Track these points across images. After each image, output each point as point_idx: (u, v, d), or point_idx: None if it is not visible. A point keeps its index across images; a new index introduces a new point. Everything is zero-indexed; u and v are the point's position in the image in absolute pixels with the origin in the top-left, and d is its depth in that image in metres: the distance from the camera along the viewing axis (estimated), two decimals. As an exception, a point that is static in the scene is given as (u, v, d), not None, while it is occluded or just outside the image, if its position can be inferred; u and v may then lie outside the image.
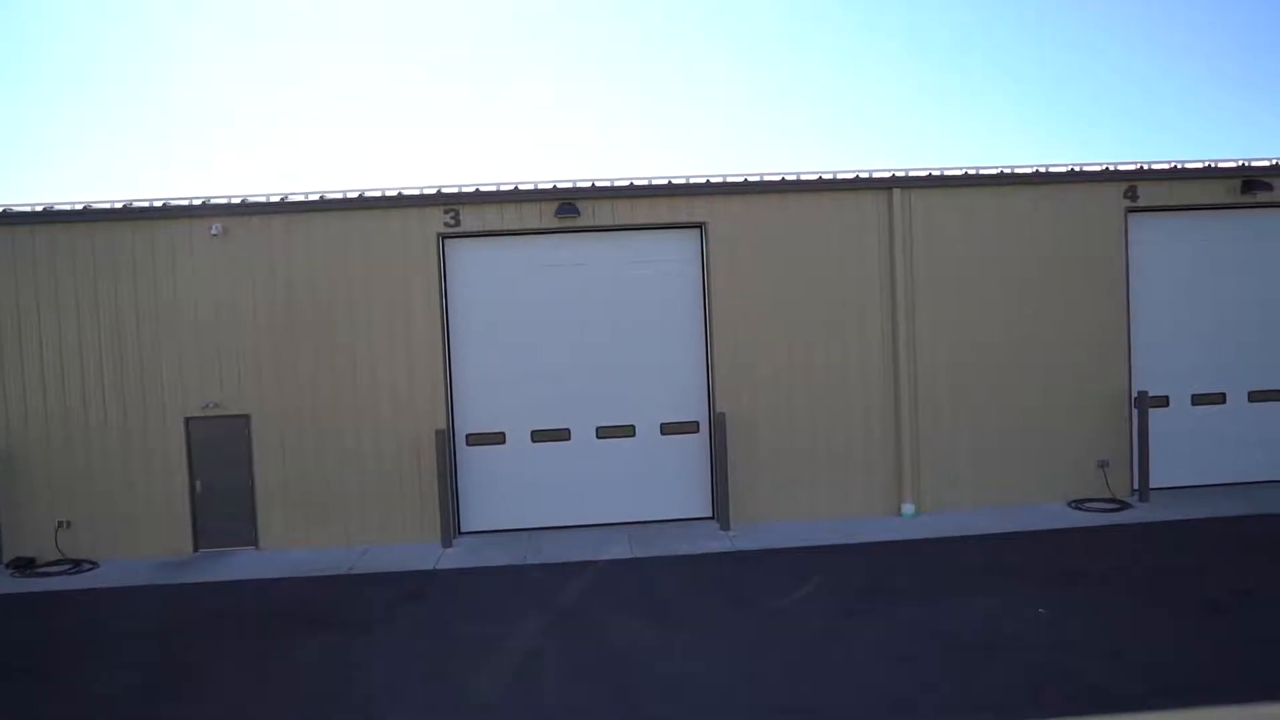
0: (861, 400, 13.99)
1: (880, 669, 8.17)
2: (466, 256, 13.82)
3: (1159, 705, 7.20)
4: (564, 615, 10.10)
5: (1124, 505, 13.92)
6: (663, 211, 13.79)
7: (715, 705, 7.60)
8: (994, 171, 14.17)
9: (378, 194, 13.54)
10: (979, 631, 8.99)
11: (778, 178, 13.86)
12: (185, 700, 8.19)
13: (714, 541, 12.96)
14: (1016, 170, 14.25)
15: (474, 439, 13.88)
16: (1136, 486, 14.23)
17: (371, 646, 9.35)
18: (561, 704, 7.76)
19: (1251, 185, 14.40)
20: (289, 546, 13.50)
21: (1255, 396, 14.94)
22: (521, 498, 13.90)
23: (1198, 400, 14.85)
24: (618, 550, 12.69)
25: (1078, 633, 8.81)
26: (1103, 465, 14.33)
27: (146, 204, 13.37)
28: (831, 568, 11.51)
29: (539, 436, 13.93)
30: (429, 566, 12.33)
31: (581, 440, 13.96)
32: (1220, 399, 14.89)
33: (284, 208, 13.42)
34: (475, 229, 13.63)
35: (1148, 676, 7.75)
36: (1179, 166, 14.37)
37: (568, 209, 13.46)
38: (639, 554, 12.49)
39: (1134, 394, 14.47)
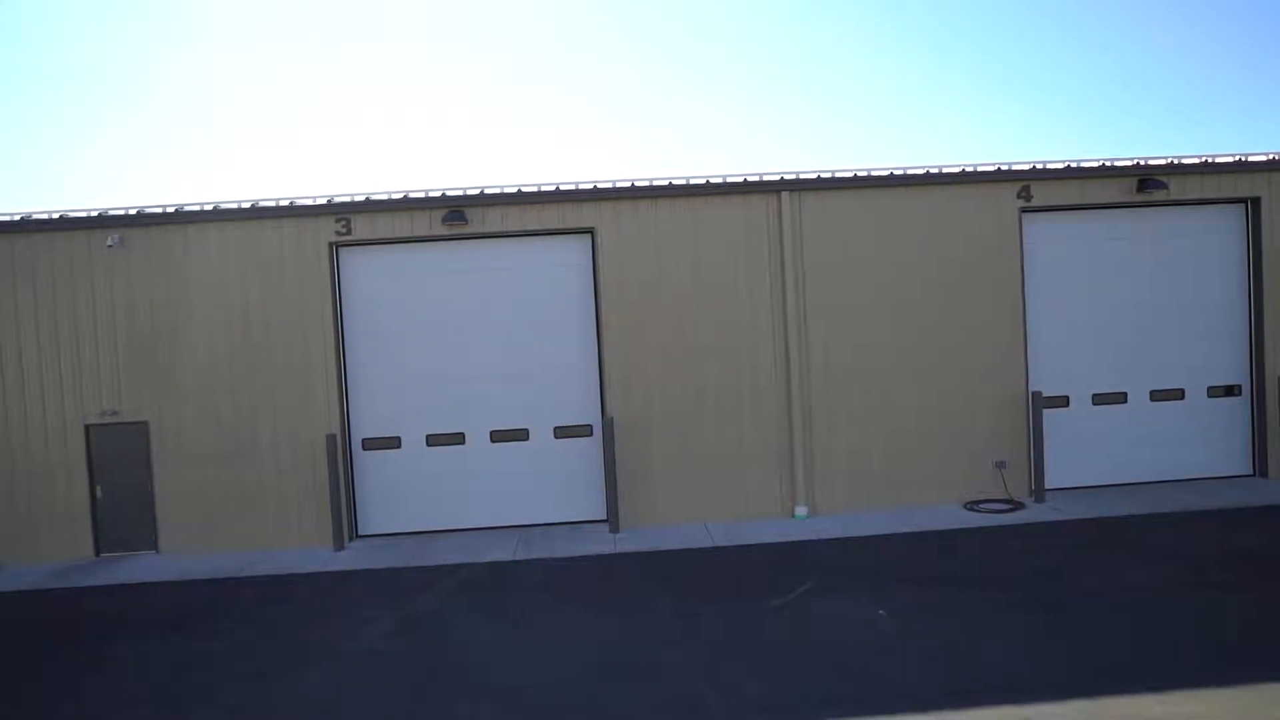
0: (753, 402, 14.07)
1: (687, 669, 8.27)
2: (360, 264, 14.04)
3: (944, 705, 7.27)
4: (416, 618, 10.25)
5: (1018, 506, 13.91)
6: (552, 218, 13.94)
7: (517, 705, 7.74)
8: (884, 173, 14.22)
9: (271, 204, 13.78)
10: (804, 634, 9.06)
11: (665, 182, 13.97)
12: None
13: (598, 544, 13.08)
14: (909, 171, 14.29)
15: (370, 443, 14.08)
16: (1034, 487, 14.22)
17: (213, 648, 9.54)
18: (366, 703, 7.92)
19: (1147, 184, 14.35)
20: (189, 551, 13.75)
21: (1157, 396, 14.88)
22: (417, 501, 14.09)
23: (1099, 400, 14.81)
24: (500, 553, 12.84)
25: (909, 634, 8.86)
26: (1000, 466, 14.32)
27: (45, 216, 13.67)
28: (700, 570, 11.60)
29: (434, 440, 14.10)
30: (312, 570, 12.53)
31: (476, 444, 14.12)
32: (1122, 399, 14.84)
33: (180, 218, 13.69)
34: (367, 237, 13.84)
35: (947, 674, 7.81)
36: (1073, 166, 14.36)
37: (455, 216, 13.64)
38: (520, 556, 12.63)
39: (1031, 394, 14.48)
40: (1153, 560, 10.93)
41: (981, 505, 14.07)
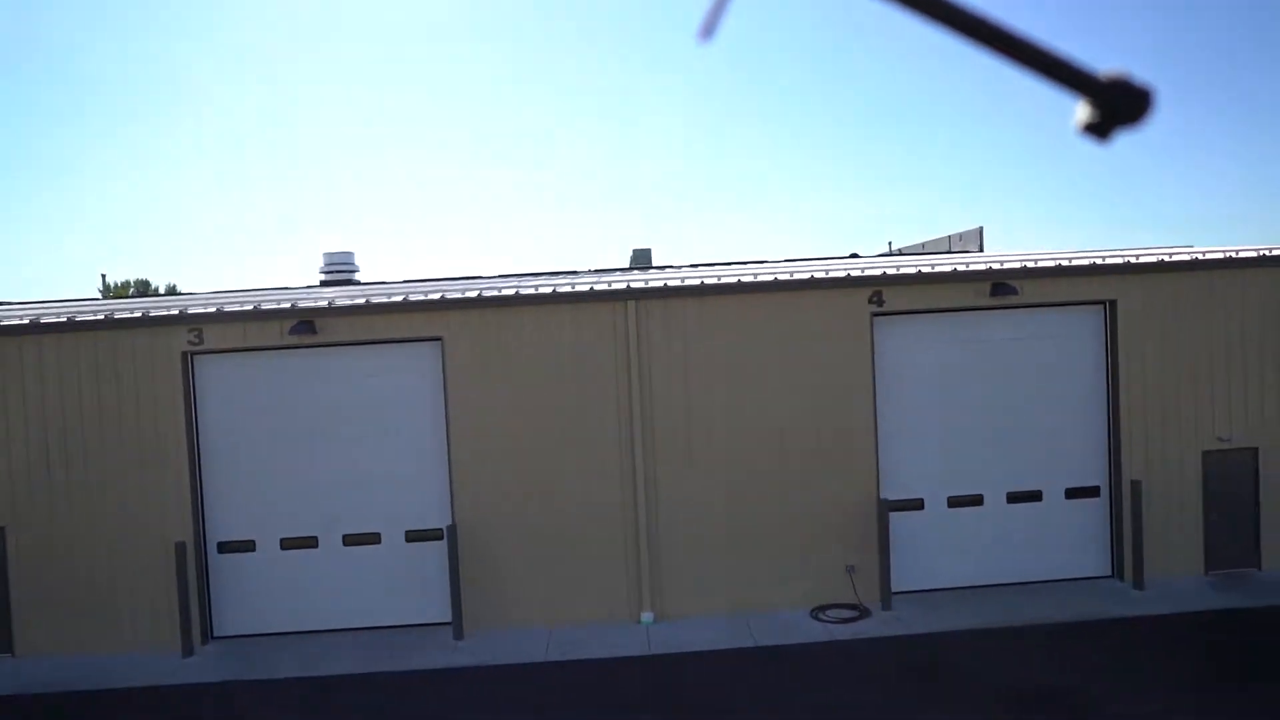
0: (601, 506, 14.19)
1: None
2: (215, 372, 14.30)
3: None
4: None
5: (864, 613, 13.95)
6: (402, 327, 14.14)
7: None
8: (732, 280, 14.28)
9: (125, 314, 14.08)
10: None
11: (512, 291, 14.13)
12: None
13: (436, 656, 13.27)
14: (759, 278, 14.35)
15: (226, 546, 14.36)
16: (882, 594, 14.24)
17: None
18: None
19: (1000, 288, 14.31)
20: (45, 653, 14.09)
21: (1014, 498, 14.85)
22: (272, 603, 14.34)
23: (955, 502, 14.79)
24: (340, 664, 13.07)
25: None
26: (850, 571, 14.36)
27: (-92, 327, 14.05)
28: (524, 692, 11.80)
29: (288, 544, 14.35)
30: (146, 683, 12.82)
31: (329, 547, 14.36)
32: (978, 500, 14.82)
33: (34, 329, 14.02)
34: (219, 346, 14.11)
35: None
36: (924, 271, 14.35)
37: (304, 327, 13.87)
38: (355, 669, 12.86)
39: (880, 500, 14.50)
40: (952, 701, 10.99)
41: (828, 611, 14.13)
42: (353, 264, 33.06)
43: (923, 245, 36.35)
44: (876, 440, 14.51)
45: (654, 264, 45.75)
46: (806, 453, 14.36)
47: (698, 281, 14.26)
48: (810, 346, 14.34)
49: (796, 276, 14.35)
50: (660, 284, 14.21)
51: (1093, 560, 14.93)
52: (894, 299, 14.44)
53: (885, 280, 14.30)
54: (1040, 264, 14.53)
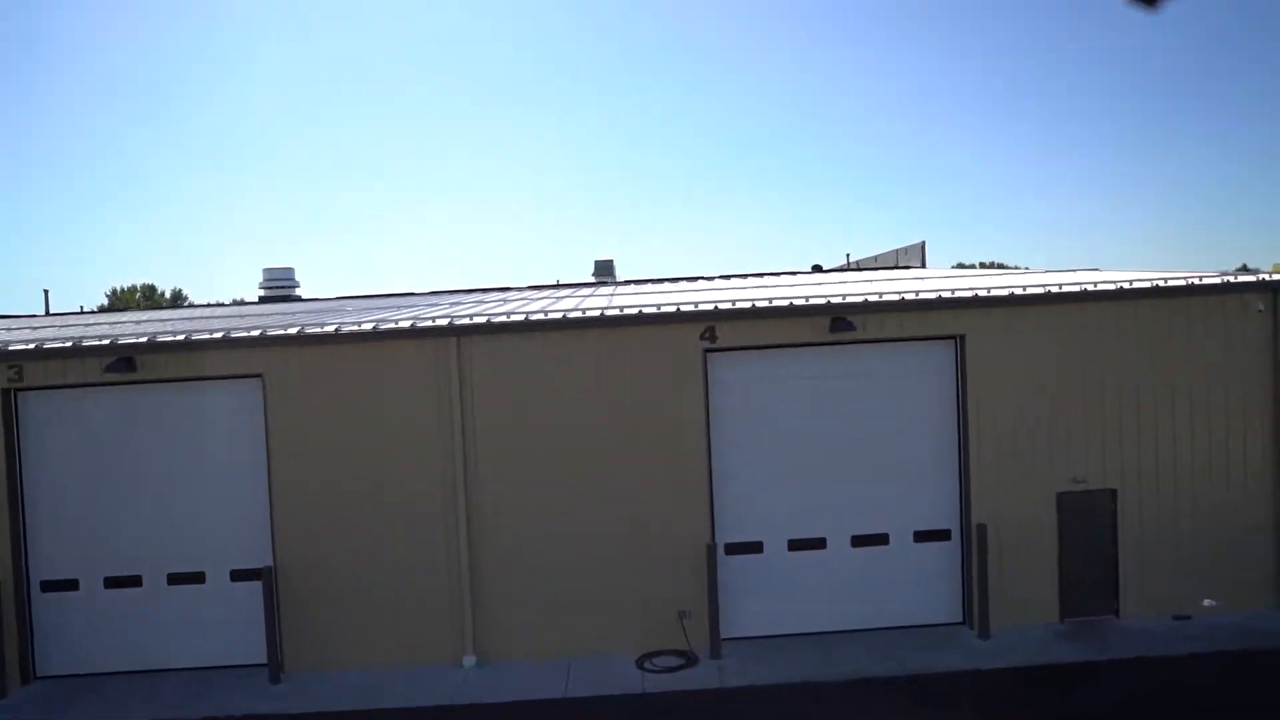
0: (425, 547, 13.83)
1: None
2: (37, 410, 14.13)
3: None
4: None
5: (692, 661, 13.46)
6: (222, 364, 13.87)
7: None
8: (558, 316, 13.85)
9: (-53, 350, 13.96)
10: None
11: (333, 327, 13.81)
12: None
13: (243, 699, 13.00)
14: (587, 314, 13.90)
15: (49, 585, 14.18)
16: (712, 641, 13.72)
17: None
18: None
19: (839, 323, 13.74)
20: None
21: (859, 541, 14.27)
22: (96, 642, 14.14)
23: (795, 546, 14.24)
24: (151, 708, 12.86)
25: None
26: (683, 616, 13.87)
27: None
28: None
29: (111, 583, 14.15)
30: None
31: (152, 586, 14.13)
32: (820, 544, 14.25)
33: None
34: (41, 383, 13.91)
35: None
36: (759, 306, 13.82)
37: (122, 364, 13.62)
38: (165, 715, 12.64)
39: (721, 541, 14.01)
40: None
41: (656, 658, 13.66)
42: (293, 279, 33.08)
43: (875, 259, 35.67)
44: (711, 481, 14.02)
45: (616, 275, 45.28)
46: (638, 494, 13.89)
47: (523, 317, 13.86)
48: (641, 384, 13.87)
49: (627, 312, 13.89)
50: (484, 320, 13.82)
51: (944, 606, 14.31)
52: (728, 335, 13.92)
53: (718, 315, 13.79)
54: (885, 298, 13.93)
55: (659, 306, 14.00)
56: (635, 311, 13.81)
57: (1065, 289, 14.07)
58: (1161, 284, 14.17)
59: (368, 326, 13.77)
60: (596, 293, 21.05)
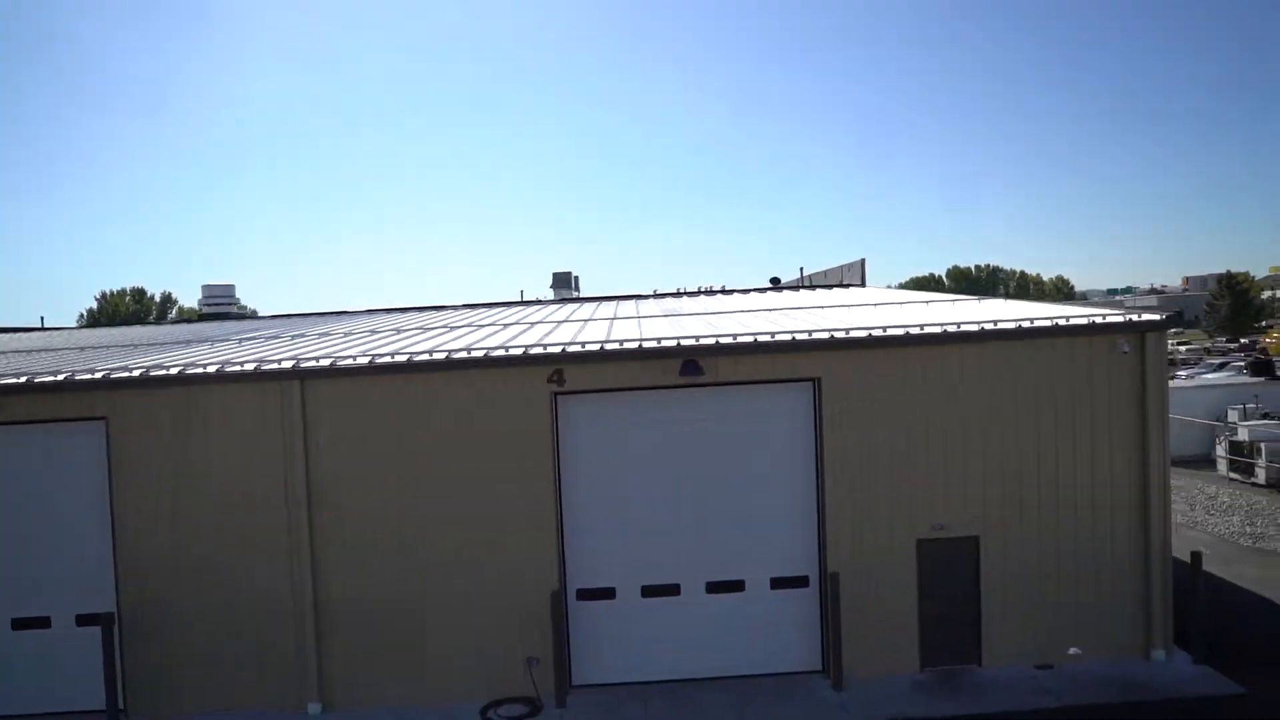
0: (268, 593, 13.61)
1: None
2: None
3: None
4: None
5: (537, 710, 13.20)
6: (66, 406, 13.72)
7: None
8: (404, 359, 13.61)
9: None
10: None
11: (177, 369, 13.63)
12: None
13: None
14: (433, 357, 13.65)
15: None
16: (558, 689, 13.44)
17: None
18: None
19: (689, 366, 13.42)
20: None
21: (714, 588, 13.94)
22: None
23: (649, 591, 13.93)
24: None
25: None
26: (531, 663, 13.59)
27: None
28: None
29: (-37, 625, 14.08)
30: None
31: None
32: (674, 590, 13.93)
33: None
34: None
35: None
36: (608, 348, 13.52)
37: (-37, 407, 13.55)
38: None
39: (572, 587, 13.74)
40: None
41: (501, 707, 13.39)
42: (232, 297, 33.12)
43: (824, 274, 35.25)
44: (561, 525, 13.74)
45: (578, 290, 44.94)
46: (487, 540, 13.63)
47: (368, 360, 13.63)
48: (488, 426, 13.60)
49: (474, 354, 13.62)
50: (329, 362, 13.60)
51: (802, 654, 13.95)
52: (578, 378, 13.63)
53: (566, 358, 13.49)
54: (739, 339, 13.60)
55: (507, 349, 13.73)
56: (482, 354, 13.55)
57: (926, 330, 13.68)
58: (1027, 324, 13.76)
59: (212, 368, 13.58)
60: (505, 317, 20.80)
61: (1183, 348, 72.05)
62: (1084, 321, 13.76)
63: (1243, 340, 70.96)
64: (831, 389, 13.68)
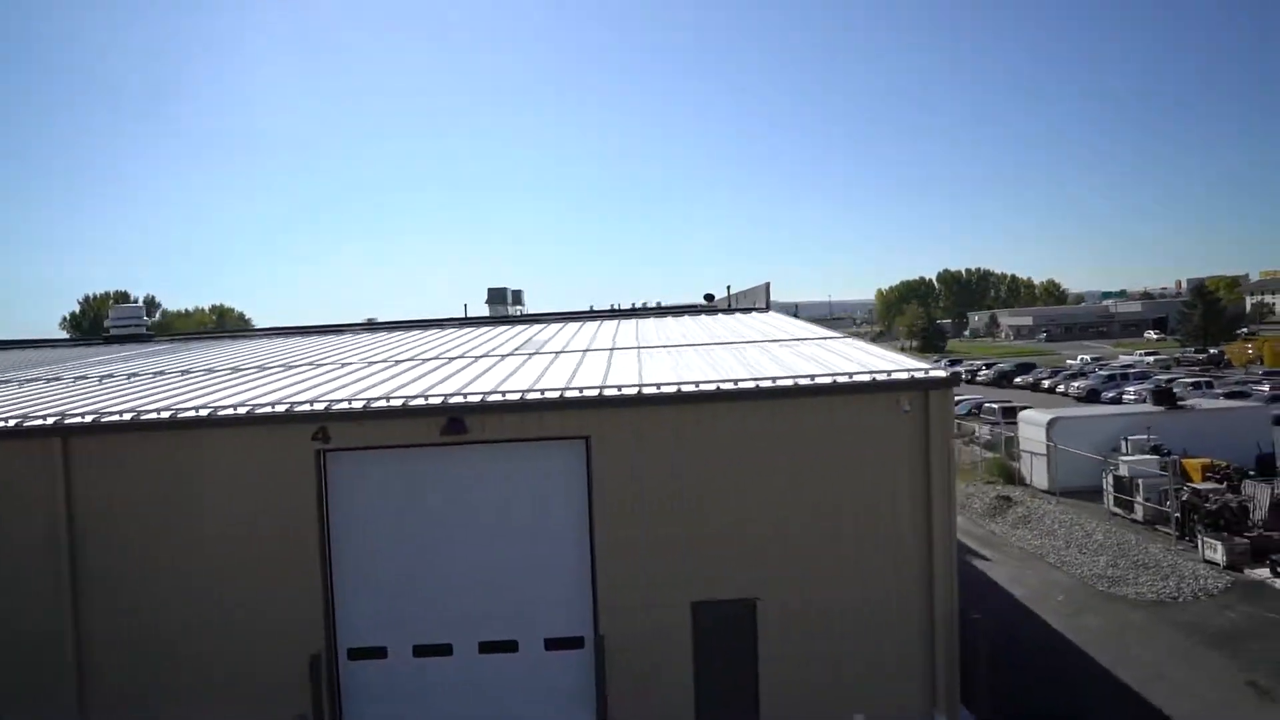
0: (28, 651, 13.42)
1: None
2: None
3: None
4: None
5: (297, 774, 12.98)
6: None
7: None
8: (167, 416, 13.34)
9: None
10: None
11: (-62, 426, 13.45)
12: None
13: None
14: (199, 413, 13.36)
15: None
16: (323, 752, 13.23)
17: None
18: None
19: (453, 425, 13.13)
20: None
21: (487, 648, 13.65)
22: None
23: (421, 651, 13.65)
24: None
25: None
26: (299, 723, 13.38)
27: None
28: None
29: None
30: None
31: None
32: (447, 650, 13.66)
33: None
34: None
35: None
36: (372, 406, 13.24)
37: None
38: None
39: (343, 646, 13.49)
40: None
41: (262, 771, 13.19)
42: (140, 319, 32.88)
43: (742, 295, 34.91)
44: (330, 584, 13.47)
45: (521, 304, 44.62)
46: (253, 599, 13.35)
47: (132, 416, 13.37)
48: (252, 485, 13.36)
49: (239, 411, 13.37)
50: (93, 418, 13.36)
51: (576, 717, 13.67)
52: (345, 434, 13.36)
53: (330, 416, 13.21)
54: (507, 397, 13.30)
55: (273, 405, 13.47)
56: (246, 412, 13.30)
57: (702, 388, 13.34)
58: (806, 382, 13.40)
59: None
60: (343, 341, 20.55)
61: (1150, 358, 71.50)
62: (866, 379, 13.40)
63: (1211, 350, 70.30)
64: (602, 447, 13.38)
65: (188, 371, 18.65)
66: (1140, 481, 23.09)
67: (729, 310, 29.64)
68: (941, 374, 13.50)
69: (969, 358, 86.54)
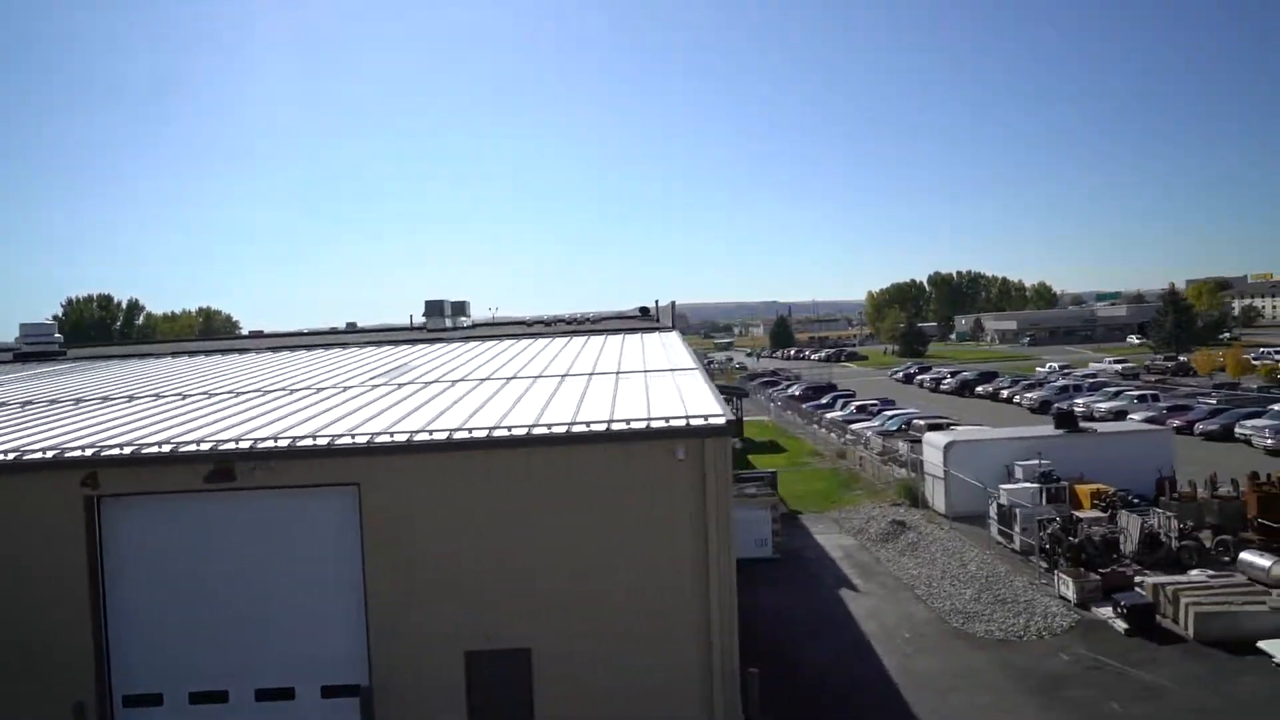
0: None
1: None
2: None
3: None
4: None
5: (61, 824, 12.87)
6: None
7: None
8: (-65, 461, 13.28)
9: None
10: None
11: None
12: None
13: None
14: (-30, 457, 13.30)
15: None
16: (90, 801, 13.12)
17: None
18: None
19: (217, 474, 12.99)
20: None
21: (264, 695, 13.50)
22: None
23: (197, 698, 13.51)
24: None
25: None
26: (69, 772, 13.27)
27: None
28: None
29: None
30: None
31: None
32: (223, 697, 13.52)
33: None
34: None
35: None
36: (141, 453, 13.10)
37: None
38: None
39: (118, 693, 13.38)
40: None
41: (30, 820, 13.09)
42: (51, 337, 32.85)
43: (663, 310, 34.68)
44: (104, 630, 13.36)
45: (467, 315, 44.51)
46: (20, 646, 13.21)
47: (-100, 461, 13.30)
48: (19, 530, 13.23)
49: (7, 457, 13.25)
50: None
51: (353, 766, 13.53)
52: (118, 481, 13.24)
53: (98, 462, 13.10)
54: (279, 443, 13.14)
55: (44, 451, 13.36)
56: (14, 458, 13.19)
57: (474, 435, 13.16)
58: (583, 429, 13.21)
59: None
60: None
61: (1118, 366, 70.84)
62: (642, 427, 13.19)
63: (1180, 358, 69.63)
64: (373, 494, 13.22)
65: (30, 403, 18.56)
66: (1018, 510, 22.76)
67: (633, 330, 29.43)
68: (719, 422, 13.25)
69: (940, 363, 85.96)
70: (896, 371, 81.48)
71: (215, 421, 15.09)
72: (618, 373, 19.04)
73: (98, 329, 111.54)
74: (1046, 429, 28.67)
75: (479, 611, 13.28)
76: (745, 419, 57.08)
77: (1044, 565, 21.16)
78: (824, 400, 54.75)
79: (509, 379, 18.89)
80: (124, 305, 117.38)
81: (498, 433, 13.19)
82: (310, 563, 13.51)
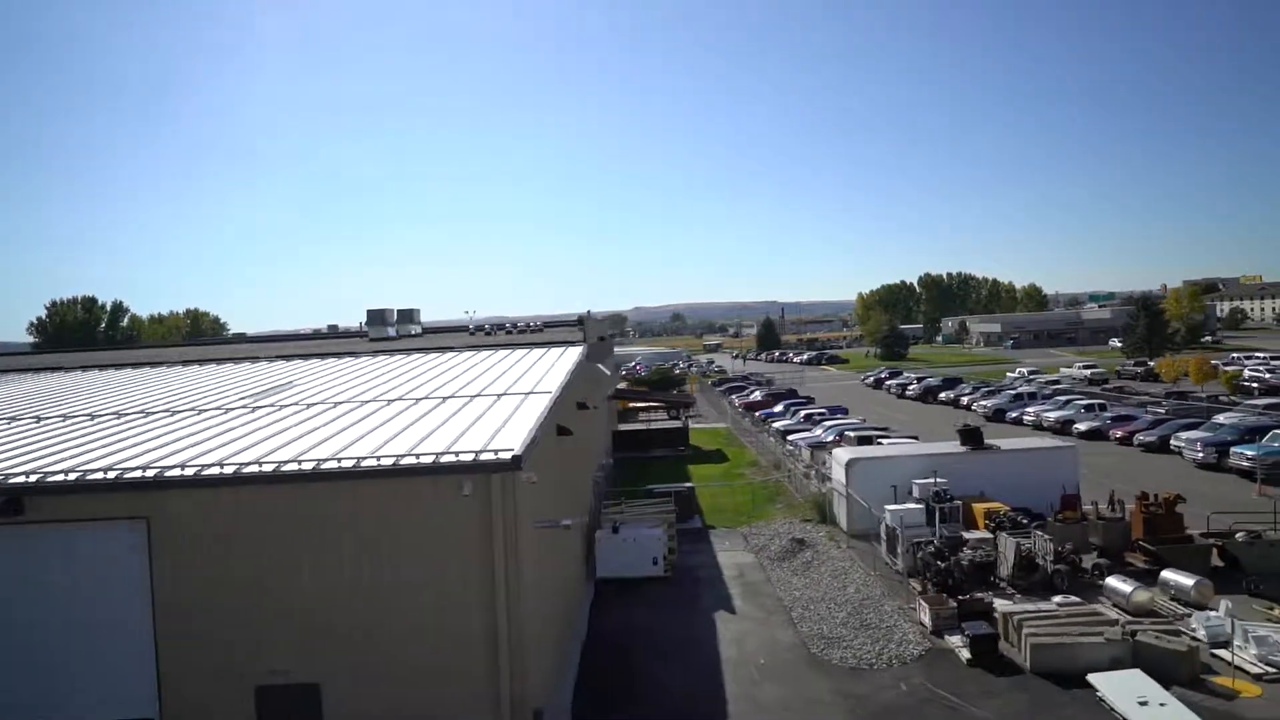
0: None
1: None
2: None
3: None
4: None
5: None
6: None
7: None
8: None
9: None
10: None
11: None
12: None
13: None
14: None
15: None
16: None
17: None
18: None
19: (8, 504, 12.95)
20: None
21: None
22: None
23: (-5, 733, 13.51)
24: None
25: None
26: None
27: None
28: None
29: None
30: None
31: None
32: (14, 731, 13.53)
33: None
34: None
35: None
36: (-72, 486, 13.09)
37: None
38: None
39: (-90, 726, 13.37)
40: None
41: None
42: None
43: (594, 319, 34.58)
44: (-104, 665, 13.36)
45: (418, 323, 44.52)
46: None
47: None
48: None
49: None
50: None
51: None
52: (-94, 514, 13.22)
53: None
54: (69, 477, 13.07)
55: None
56: None
57: (264, 468, 13.09)
58: (371, 464, 13.08)
59: None
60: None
61: (1086, 371, 70.45)
62: (430, 462, 13.11)
63: (1150, 363, 69.17)
64: (161, 528, 13.19)
65: None
66: (900, 531, 22.59)
67: (547, 344, 29.34)
68: (507, 456, 13.14)
69: (916, 368, 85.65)
70: (868, 376, 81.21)
71: (30, 448, 15.07)
72: (474, 395, 18.94)
73: (82, 331, 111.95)
74: (948, 446, 28.43)
75: (270, 647, 13.22)
76: (702, 427, 57.17)
77: (917, 589, 21.01)
78: (777, 409, 54.60)
79: (372, 401, 18.80)
80: (108, 307, 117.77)
81: (287, 467, 13.09)
82: (102, 597, 13.45)
